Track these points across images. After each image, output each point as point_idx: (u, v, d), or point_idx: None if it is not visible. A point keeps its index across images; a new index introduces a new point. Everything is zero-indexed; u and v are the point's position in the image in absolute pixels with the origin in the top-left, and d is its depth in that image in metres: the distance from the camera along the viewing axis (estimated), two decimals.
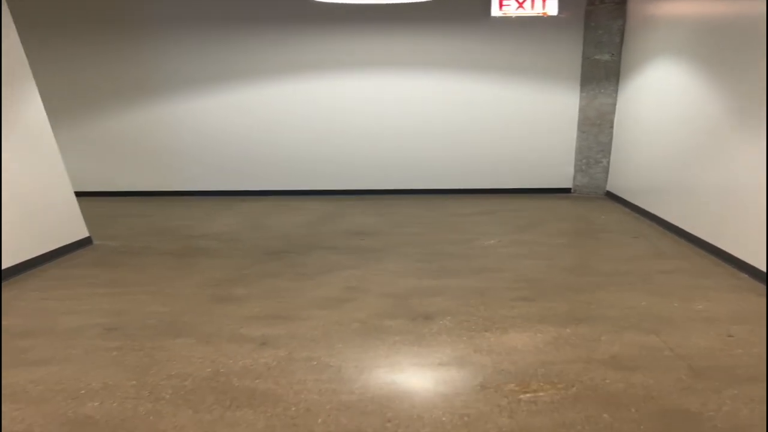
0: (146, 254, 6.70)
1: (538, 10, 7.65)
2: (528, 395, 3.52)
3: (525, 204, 9.41)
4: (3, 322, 4.81)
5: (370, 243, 7.00)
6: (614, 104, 9.53)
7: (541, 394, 3.53)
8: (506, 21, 9.55)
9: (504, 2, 7.59)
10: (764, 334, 4.29)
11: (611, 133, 9.64)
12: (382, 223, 8.06)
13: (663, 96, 7.64)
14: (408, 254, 6.49)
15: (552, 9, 7.60)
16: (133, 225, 8.19)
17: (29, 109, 6.40)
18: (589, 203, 9.38)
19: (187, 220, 8.47)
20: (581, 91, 9.58)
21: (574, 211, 8.76)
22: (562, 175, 10.30)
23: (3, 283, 5.77)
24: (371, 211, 8.94)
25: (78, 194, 7.47)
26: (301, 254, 6.55)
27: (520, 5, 7.60)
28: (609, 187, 9.88)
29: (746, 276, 5.54)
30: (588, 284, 5.42)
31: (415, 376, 3.78)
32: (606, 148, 9.76)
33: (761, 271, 5.37)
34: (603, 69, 9.38)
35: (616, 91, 9.47)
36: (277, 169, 10.53)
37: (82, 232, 7.15)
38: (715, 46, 6.23)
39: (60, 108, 10.18)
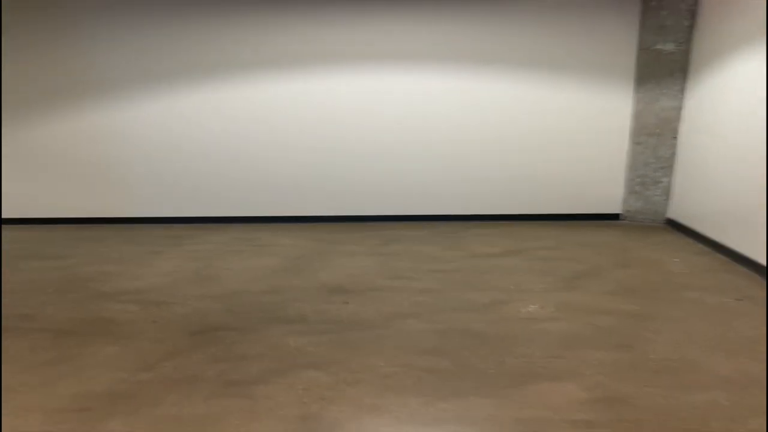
0: (20, 332, 4.53)
1: None
2: None
3: (565, 237, 7.32)
4: None
5: (354, 310, 4.85)
6: (680, 108, 7.36)
7: None
8: (540, 1, 7.40)
9: None
10: None
11: (674, 146, 7.45)
12: (378, 271, 5.94)
13: (750, 98, 5.64)
14: (409, 335, 4.35)
15: None
16: (34, 274, 6.05)
17: None
18: (648, 235, 7.25)
19: (113, 264, 6.35)
20: (636, 91, 7.40)
21: (633, 249, 6.64)
22: (609, 198, 8.16)
23: None
24: (365, 249, 6.83)
25: None
26: (245, 333, 4.40)
27: None
28: (671, 214, 7.68)
29: None
30: (709, 406, 3.21)
31: None
32: (667, 165, 7.53)
33: None
34: (666, 63, 7.21)
35: (682, 92, 7.30)
36: (249, 190, 8.55)
37: None
38: None
39: None
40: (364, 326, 4.49)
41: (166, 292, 5.34)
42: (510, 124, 7.92)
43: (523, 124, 7.90)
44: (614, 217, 8.21)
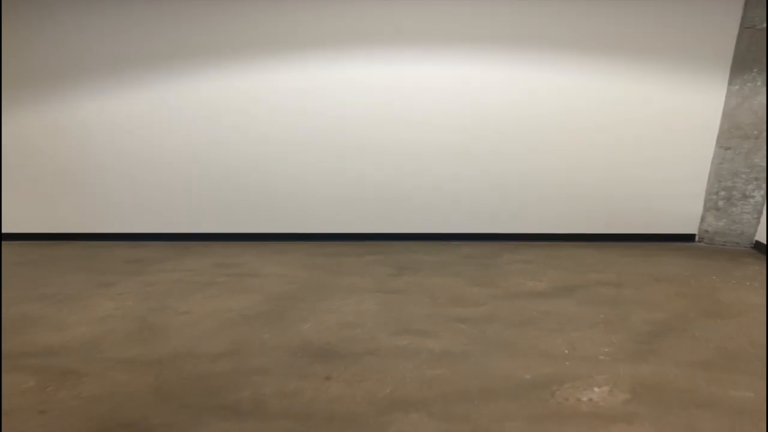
0: None
1: None
2: None
3: (630, 266, 5.83)
4: None
5: (338, 392, 3.41)
6: None
7: None
8: None
9: None
10: None
11: None
12: (381, 319, 4.44)
13: None
14: None
15: None
16: None
17: None
18: (736, 265, 5.76)
19: (42, 302, 4.94)
20: (730, 83, 5.83)
21: (722, 287, 5.10)
22: (683, 215, 6.75)
23: None
24: (370, 282, 5.38)
25: None
26: None
27: None
28: (762, 236, 5.97)
29: None
30: None
31: None
32: (762, 175, 5.84)
33: None
34: None
35: None
36: (241, 203, 7.28)
37: None
38: None
39: None
40: (346, 424, 2.94)
41: (86, 352, 3.86)
42: (557, 120, 6.39)
43: (575, 120, 6.33)
44: (688, 238, 6.60)
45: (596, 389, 3.31)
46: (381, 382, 3.41)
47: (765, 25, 5.64)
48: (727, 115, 5.96)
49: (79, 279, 5.54)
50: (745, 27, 5.71)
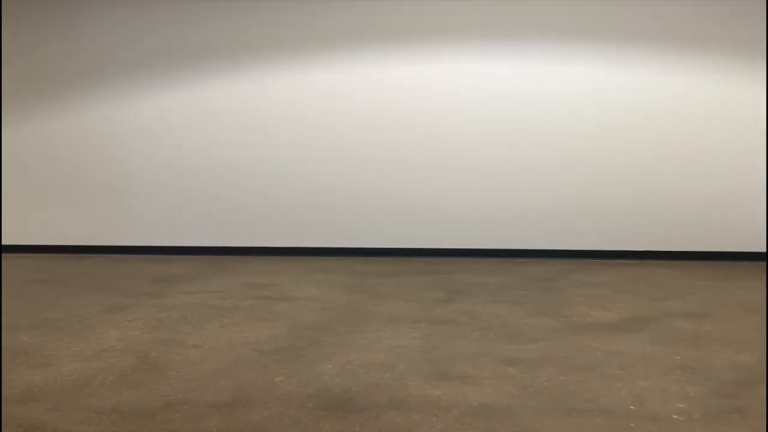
0: None
1: None
2: None
3: (712, 290, 5.22)
4: None
5: None
6: None
7: None
8: None
9: None
10: None
11: None
12: (419, 359, 3.74)
13: None
14: None
15: None
16: None
17: None
18: None
19: (41, 329, 4.38)
20: None
21: None
22: (749, 230, 6.19)
23: None
24: (413, 309, 4.78)
25: None
26: None
27: None
28: None
29: None
30: None
31: None
32: None
33: None
34: None
35: None
36: (284, 214, 6.84)
37: None
38: None
39: None
40: None
41: (67, 398, 3.29)
42: (632, 124, 5.61)
43: (654, 123, 5.52)
44: (757, 257, 6.23)
45: None
46: None
47: None
48: None
49: (92, 301, 5.05)
50: None
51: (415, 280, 5.66)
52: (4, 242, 6.91)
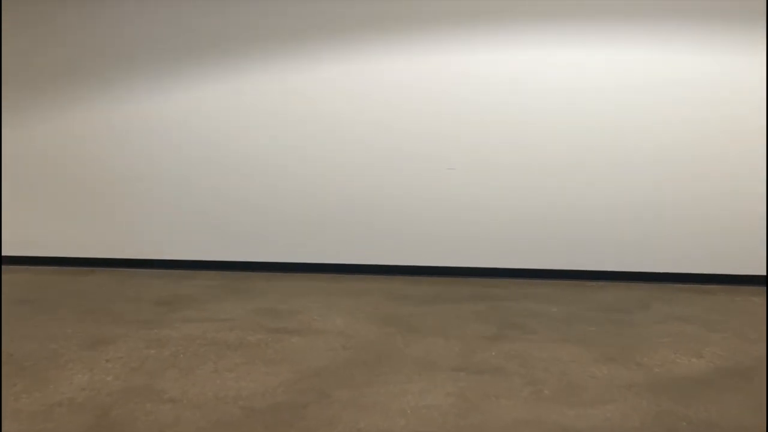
0: None
1: None
2: None
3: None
4: None
5: None
6: None
7: None
8: None
9: None
10: None
11: None
12: (450, 425, 2.89)
13: None
14: None
15: None
16: None
17: None
18: None
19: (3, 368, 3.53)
20: None
21: None
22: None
23: None
24: (452, 353, 3.85)
25: None
26: None
27: None
28: None
29: None
30: None
31: None
32: None
33: None
34: None
35: None
36: (319, 224, 6.04)
37: None
38: None
39: None
40: None
41: None
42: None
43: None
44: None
45: None
46: None
47: None
48: None
49: (76, 330, 4.33)
50: None
51: (462, 309, 4.79)
52: (3, 253, 6.26)
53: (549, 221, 5.56)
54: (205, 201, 6.05)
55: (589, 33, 5.27)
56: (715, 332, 4.17)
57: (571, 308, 4.79)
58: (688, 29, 5.15)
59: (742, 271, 5.33)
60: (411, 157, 5.69)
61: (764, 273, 5.24)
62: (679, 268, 5.41)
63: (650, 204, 5.38)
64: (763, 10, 4.98)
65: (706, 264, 5.37)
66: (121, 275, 6.02)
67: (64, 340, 4.11)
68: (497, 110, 5.50)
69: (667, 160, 5.31)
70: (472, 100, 5.51)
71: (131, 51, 5.96)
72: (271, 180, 5.92)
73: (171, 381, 3.41)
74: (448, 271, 5.76)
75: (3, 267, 6.21)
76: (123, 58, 5.96)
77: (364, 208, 5.80)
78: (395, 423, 2.88)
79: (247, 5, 5.70)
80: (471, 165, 5.66)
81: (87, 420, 2.95)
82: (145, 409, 3.06)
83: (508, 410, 3.02)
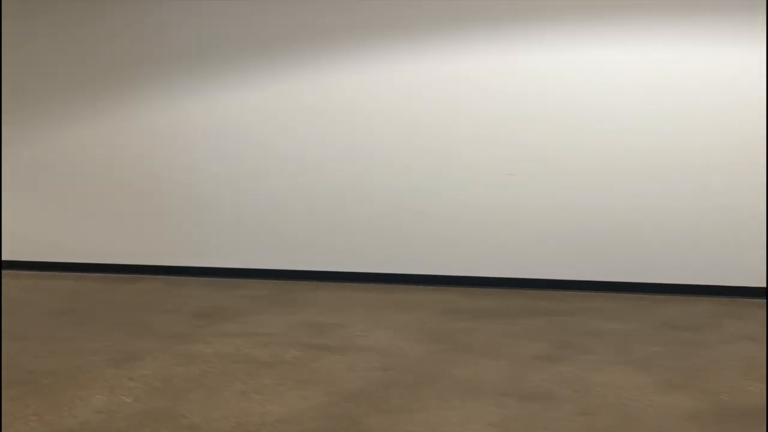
0: None
1: None
2: None
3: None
4: None
5: None
6: None
7: None
8: None
9: None
10: None
11: None
12: None
13: None
14: None
15: None
16: None
17: None
18: None
19: (18, 388, 3.42)
20: None
21: None
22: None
23: None
24: (501, 374, 3.51)
25: None
26: None
27: None
28: None
29: None
30: None
31: None
32: None
33: None
34: None
35: None
36: (373, 230, 5.83)
37: None
38: None
39: None
40: None
41: None
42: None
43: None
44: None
45: None
46: None
47: None
48: None
49: (106, 344, 4.12)
50: None
51: (517, 325, 4.45)
52: (49, 258, 6.16)
53: (611, 230, 5.23)
54: (253, 207, 5.92)
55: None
56: None
57: (633, 325, 4.43)
58: None
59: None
60: (468, 162, 5.42)
61: None
62: (751, 282, 4.93)
63: (723, 213, 4.93)
64: None
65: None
66: (165, 283, 5.90)
67: (92, 355, 3.89)
68: (560, 112, 5.14)
69: (746, 165, 4.84)
70: (533, 102, 5.19)
71: (180, 51, 5.87)
72: (321, 185, 5.72)
73: (194, 404, 3.14)
74: (503, 283, 5.42)
75: (47, 274, 6.13)
76: (171, 59, 5.88)
77: (417, 216, 5.54)
78: None
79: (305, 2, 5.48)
80: (531, 171, 5.32)
81: None
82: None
83: None
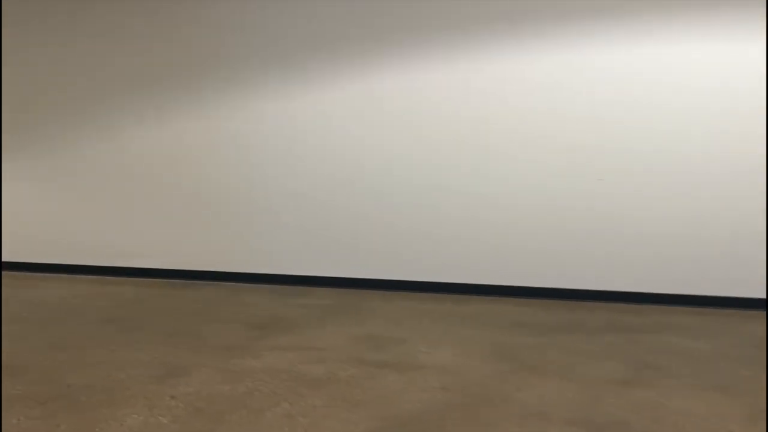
0: None
1: None
2: None
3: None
4: None
5: None
6: None
7: None
8: None
9: None
10: None
11: None
12: None
13: None
14: None
15: None
16: None
17: None
18: None
19: (50, 405, 3.22)
20: None
21: None
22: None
23: None
24: (569, 400, 3.12)
25: None
26: None
27: None
28: None
29: None
30: None
31: None
32: None
33: None
34: None
35: None
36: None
37: None
38: None
39: None
40: None
41: None
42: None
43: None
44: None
45: None
46: None
47: None
48: None
49: (152, 357, 3.89)
50: None
51: (592, 342, 4.07)
52: (111, 263, 6.04)
53: (701, 239, 4.74)
54: (320, 212, 5.64)
55: None
56: None
57: (721, 344, 4.02)
58: None
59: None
60: (551, 166, 5.05)
61: None
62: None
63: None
64: None
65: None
66: (226, 290, 5.70)
67: (136, 368, 3.66)
68: (651, 115, 4.74)
69: None
70: (621, 103, 4.79)
71: (249, 52, 5.71)
72: (389, 190, 5.40)
73: (234, 426, 2.87)
74: (583, 295, 5.02)
75: (107, 279, 6.01)
76: (240, 60, 5.69)
77: (492, 223, 5.16)
78: None
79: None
80: (620, 175, 4.88)
81: None
82: None
83: None
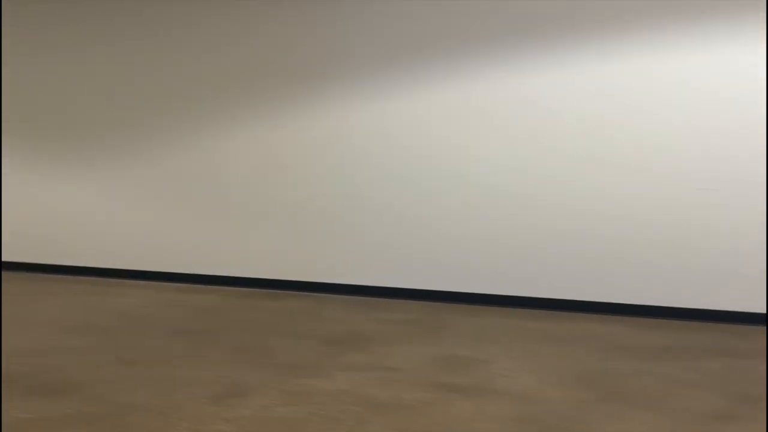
0: None
1: None
2: None
3: None
4: None
5: None
6: None
7: None
8: None
9: None
10: None
11: None
12: None
13: None
14: None
15: None
16: None
17: None
18: None
19: (97, 424, 3.03)
20: None
21: None
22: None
23: None
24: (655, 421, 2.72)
25: None
26: None
27: None
28: None
29: None
30: None
31: None
32: None
33: None
34: None
35: None
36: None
37: None
38: None
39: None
40: None
41: None
42: None
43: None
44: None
45: None
46: None
47: None
48: None
49: (215, 375, 3.72)
50: None
51: (690, 368, 3.69)
52: (196, 270, 5.99)
53: None
54: (406, 223, 5.38)
55: None
56: None
57: None
58: None
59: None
60: (655, 174, 4.70)
61: None
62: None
63: None
64: None
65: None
66: (309, 301, 5.59)
67: (196, 387, 3.49)
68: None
69: None
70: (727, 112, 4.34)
71: (344, 55, 5.63)
72: (477, 200, 5.12)
73: None
74: (686, 314, 4.54)
75: (193, 287, 6.00)
76: (332, 63, 5.62)
77: (586, 235, 4.79)
78: None
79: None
80: (728, 181, 4.51)
81: None
82: None
83: None
